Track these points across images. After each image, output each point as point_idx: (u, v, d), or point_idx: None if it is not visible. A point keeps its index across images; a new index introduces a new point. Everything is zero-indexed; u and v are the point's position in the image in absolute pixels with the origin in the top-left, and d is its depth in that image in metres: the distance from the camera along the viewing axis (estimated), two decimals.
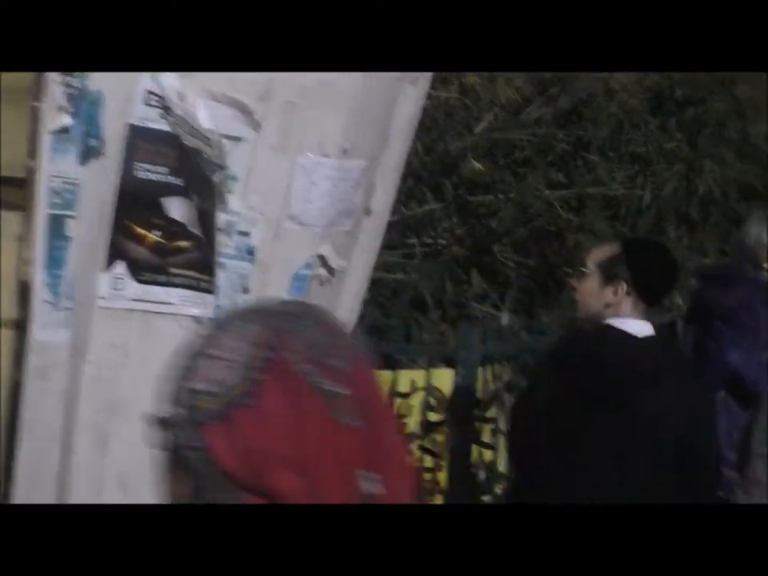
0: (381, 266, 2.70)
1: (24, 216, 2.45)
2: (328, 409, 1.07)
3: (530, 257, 6.39)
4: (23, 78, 2.46)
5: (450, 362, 4.57)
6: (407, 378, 4.66)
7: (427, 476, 4.41)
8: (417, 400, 4.63)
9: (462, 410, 4.37)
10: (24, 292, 2.45)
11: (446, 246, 6.17)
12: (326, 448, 1.07)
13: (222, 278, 2.68)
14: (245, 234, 2.66)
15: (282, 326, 1.09)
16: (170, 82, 2.49)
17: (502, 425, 4.35)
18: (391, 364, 4.56)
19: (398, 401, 4.55)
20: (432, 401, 4.54)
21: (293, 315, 1.12)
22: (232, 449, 1.08)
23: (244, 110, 2.57)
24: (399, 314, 5.22)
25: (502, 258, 6.31)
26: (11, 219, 2.46)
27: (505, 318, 4.93)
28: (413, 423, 4.59)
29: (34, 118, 2.43)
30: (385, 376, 4.38)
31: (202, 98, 2.49)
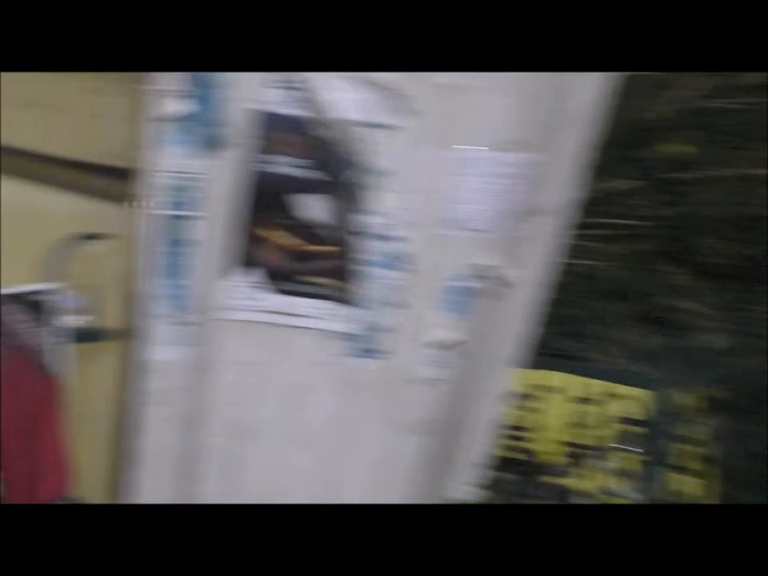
0: (570, 251, 2.23)
1: (133, 215, 2.13)
2: None
3: (745, 245, 5.67)
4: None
5: (646, 372, 4.04)
6: (596, 385, 4.15)
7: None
8: (607, 409, 4.12)
9: (656, 428, 3.83)
10: (132, 303, 2.14)
11: (644, 231, 5.55)
12: None
13: (365, 288, 2.28)
14: (394, 238, 2.24)
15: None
16: None
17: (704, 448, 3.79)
18: (580, 367, 4.07)
19: (584, 407, 4.06)
20: (625, 413, 4.01)
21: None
22: None
23: (399, 95, 2.14)
24: (589, 308, 4.70)
25: (710, 246, 5.63)
26: (116, 218, 2.16)
27: (716, 340, 4.32)
28: (599, 434, 4.08)
29: (146, 102, 2.10)
30: (571, 380, 3.91)
31: (345, 81, 2.09)
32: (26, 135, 2.51)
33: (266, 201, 2.24)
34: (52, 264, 2.14)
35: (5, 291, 2.01)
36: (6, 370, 2.03)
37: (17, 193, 2.59)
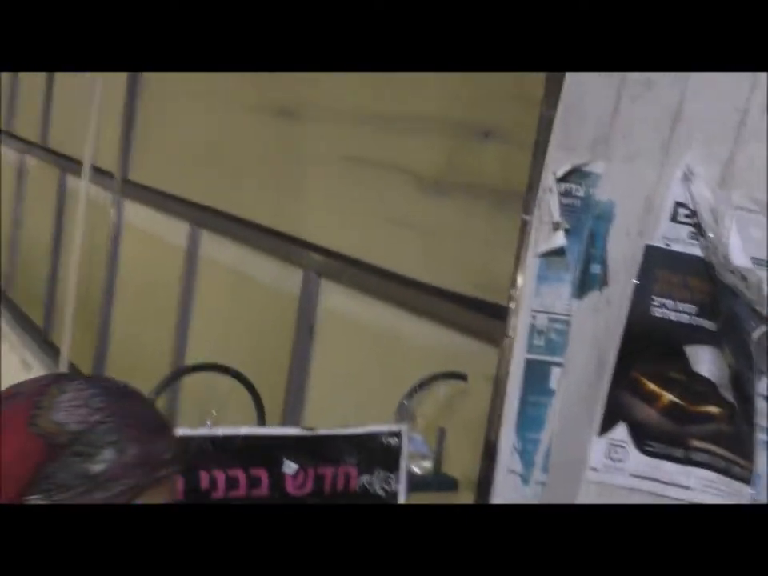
0: None
1: (499, 355, 1.93)
2: None
3: None
4: (519, 182, 1.96)
5: None
6: None
7: None
8: None
9: None
10: (479, 452, 1.93)
11: None
12: None
13: (762, 463, 1.90)
14: None
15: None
16: (701, 192, 1.81)
17: None
18: None
19: None
20: None
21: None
22: None
23: None
24: None
25: None
26: (487, 356, 1.97)
27: None
28: None
29: (523, 234, 1.91)
30: None
31: (741, 215, 1.77)
32: (399, 257, 2.43)
33: (649, 349, 1.94)
34: (409, 403, 1.99)
35: (345, 432, 1.87)
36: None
37: (383, 316, 2.52)
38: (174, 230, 3.68)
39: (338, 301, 2.63)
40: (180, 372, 2.12)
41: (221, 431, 1.75)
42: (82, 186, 4.69)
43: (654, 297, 1.91)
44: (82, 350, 4.57)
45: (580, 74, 1.86)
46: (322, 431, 1.86)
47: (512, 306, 1.93)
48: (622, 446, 1.96)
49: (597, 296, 1.91)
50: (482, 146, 2.15)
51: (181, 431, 1.77)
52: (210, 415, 1.77)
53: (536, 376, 1.92)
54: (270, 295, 3.06)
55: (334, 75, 2.83)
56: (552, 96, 1.88)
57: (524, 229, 1.90)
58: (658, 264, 1.91)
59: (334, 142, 2.76)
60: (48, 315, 5.16)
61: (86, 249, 4.62)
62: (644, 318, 1.91)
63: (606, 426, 1.94)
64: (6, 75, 6.73)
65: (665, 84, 1.87)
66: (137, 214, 4.18)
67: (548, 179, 1.86)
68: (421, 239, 2.35)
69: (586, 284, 1.90)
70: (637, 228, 1.88)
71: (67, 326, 4.69)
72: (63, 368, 4.65)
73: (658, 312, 1.91)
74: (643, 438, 1.95)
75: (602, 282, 1.90)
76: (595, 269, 1.90)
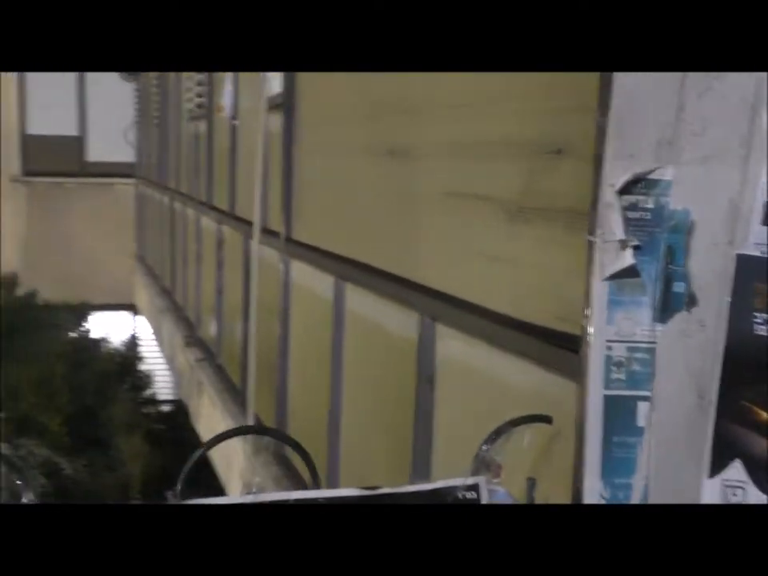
0: None
1: (578, 393, 1.73)
2: None
3: None
4: (582, 202, 1.77)
5: None
6: None
7: None
8: None
9: None
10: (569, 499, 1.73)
11: None
12: None
13: None
14: None
15: None
16: None
17: None
18: None
19: None
20: None
21: None
22: None
23: None
24: None
25: None
26: (559, 394, 1.77)
27: None
28: None
29: (590, 256, 1.71)
30: None
31: None
32: (478, 288, 2.29)
33: (753, 373, 1.69)
34: (488, 452, 1.82)
35: (413, 489, 1.72)
36: None
37: (465, 351, 2.38)
38: (323, 283, 3.67)
39: (453, 346, 2.49)
40: (231, 433, 2.07)
41: (270, 496, 1.66)
42: (253, 249, 4.80)
43: (754, 313, 1.66)
44: (269, 404, 4.65)
45: (631, 72, 1.66)
46: (386, 489, 1.73)
47: (589, 335, 1.73)
48: (740, 487, 1.71)
49: (685, 318, 1.69)
50: (556, 164, 1.97)
51: (223, 499, 1.70)
52: (252, 484, 1.68)
53: (619, 413, 1.71)
54: (391, 342, 2.98)
55: (430, 110, 2.74)
56: (605, 101, 1.69)
57: (591, 251, 1.71)
58: (754, 275, 1.66)
59: (435, 178, 2.65)
60: (244, 376, 5.29)
61: (267, 308, 4.71)
62: (745, 338, 1.67)
63: (718, 465, 1.70)
64: (204, 151, 7.05)
65: (736, 73, 1.64)
66: (299, 271, 4.22)
67: (607, 193, 1.67)
68: (507, 271, 2.19)
69: (669, 306, 1.68)
70: (724, 236, 1.65)
71: (250, 382, 4.80)
72: (249, 416, 4.76)
73: (761, 330, 1.67)
74: (764, 474, 1.70)
75: (689, 301, 1.68)
76: (678, 287, 1.68)
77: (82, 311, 11.53)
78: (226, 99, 5.91)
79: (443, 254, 2.56)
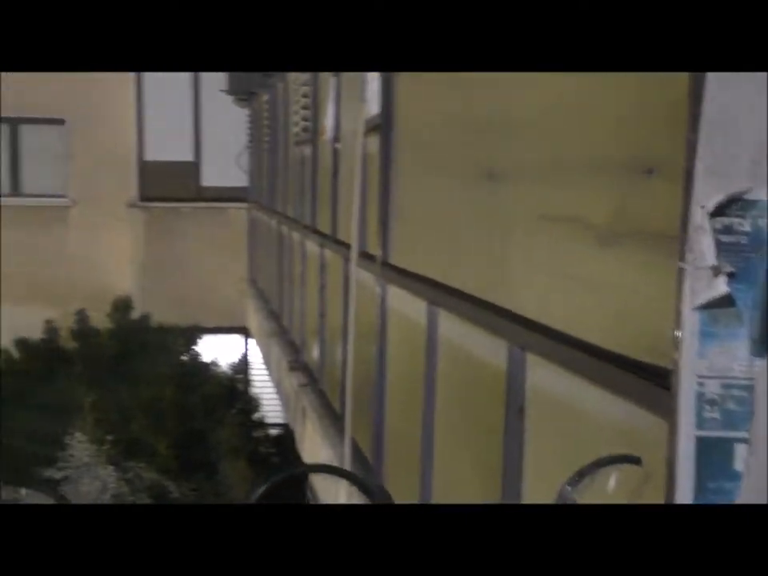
0: None
1: (668, 434, 1.59)
2: None
3: None
4: (671, 224, 1.63)
5: None
6: None
7: None
8: None
9: None
10: None
11: None
12: None
13: None
14: None
15: None
16: None
17: None
18: None
19: None
20: None
21: None
22: None
23: None
24: None
25: None
26: (659, 431, 1.62)
27: None
28: None
29: (679, 283, 1.57)
30: None
31: None
32: (567, 316, 2.16)
33: None
34: (572, 493, 1.69)
35: None
36: None
37: (554, 381, 2.25)
38: (417, 308, 3.57)
39: (543, 376, 2.36)
40: (291, 474, 2.00)
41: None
42: (351, 272, 4.74)
43: None
44: (367, 430, 4.57)
45: (723, 83, 1.52)
46: None
47: (680, 369, 1.59)
48: None
49: None
50: (647, 185, 1.83)
51: None
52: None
53: (714, 457, 1.56)
54: (481, 369, 2.86)
55: (522, 131, 2.62)
56: (695, 114, 1.55)
57: (680, 278, 1.57)
58: None
59: (527, 200, 2.53)
60: (342, 401, 5.23)
61: (366, 333, 4.64)
62: None
63: None
64: (308, 175, 7.06)
65: None
66: (395, 296, 4.13)
67: (697, 215, 1.53)
68: (596, 298, 2.05)
69: (765, 340, 1.53)
70: None
71: (347, 408, 4.72)
72: (346, 448, 4.68)
73: None
74: None
75: None
76: None
77: (193, 334, 11.69)
78: (328, 122, 5.88)
79: (533, 279, 2.44)
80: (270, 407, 10.84)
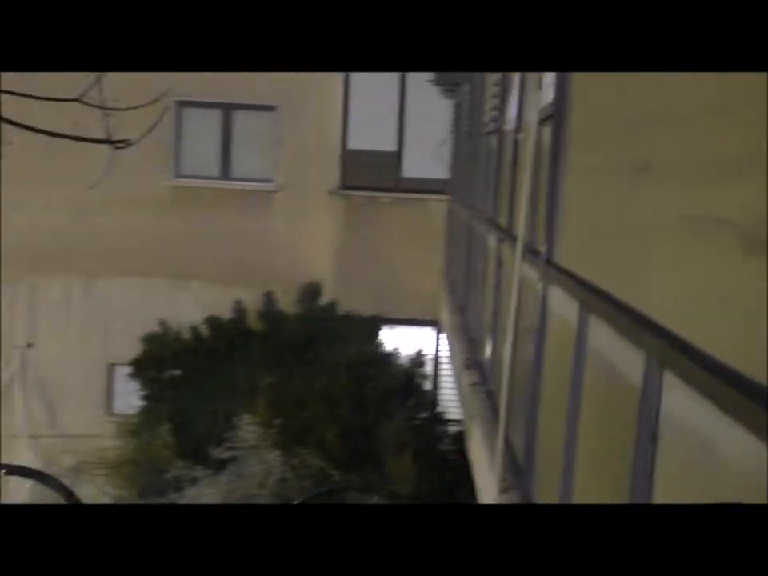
0: None
1: None
2: None
3: None
4: None
5: None
6: None
7: None
8: None
9: None
10: None
11: None
12: None
13: None
14: None
15: None
16: None
17: None
18: None
19: None
20: None
21: None
22: None
23: None
24: None
25: None
26: None
27: None
28: None
29: None
30: None
31: None
32: (706, 333, 1.86)
33: None
34: None
35: None
36: None
37: (689, 407, 1.95)
38: (571, 309, 3.31)
39: (679, 400, 2.07)
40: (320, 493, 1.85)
41: None
42: (515, 269, 4.50)
43: None
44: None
45: None
46: None
47: None
48: None
49: None
50: None
51: None
52: None
53: None
54: (618, 382, 2.57)
55: (678, 125, 2.32)
56: None
57: None
58: None
59: (675, 199, 2.22)
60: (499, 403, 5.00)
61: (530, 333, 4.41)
62: None
63: None
64: (493, 166, 6.84)
65: None
66: (555, 296, 3.87)
67: None
68: (738, 314, 1.75)
69: None
70: None
71: (502, 407, 4.52)
72: (499, 445, 4.48)
73: None
74: None
75: None
76: None
77: (377, 324, 11.66)
78: (510, 112, 5.65)
79: (677, 287, 2.14)
80: (452, 404, 10.69)
